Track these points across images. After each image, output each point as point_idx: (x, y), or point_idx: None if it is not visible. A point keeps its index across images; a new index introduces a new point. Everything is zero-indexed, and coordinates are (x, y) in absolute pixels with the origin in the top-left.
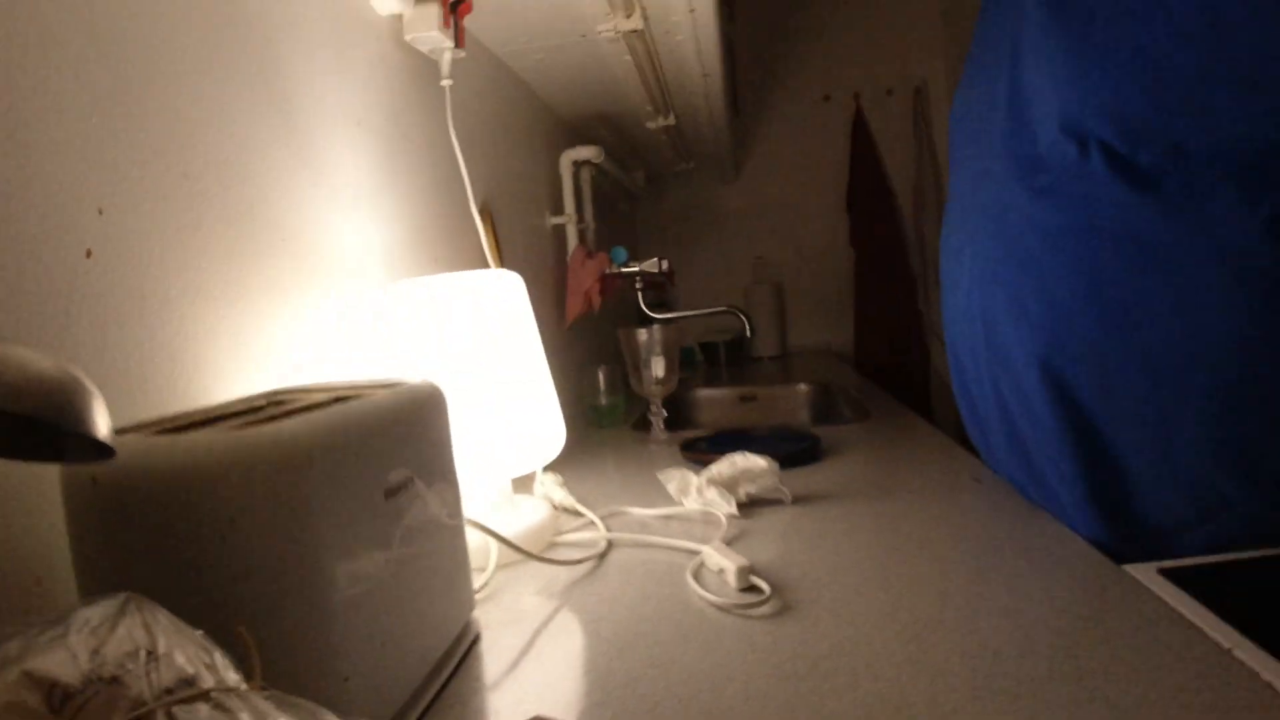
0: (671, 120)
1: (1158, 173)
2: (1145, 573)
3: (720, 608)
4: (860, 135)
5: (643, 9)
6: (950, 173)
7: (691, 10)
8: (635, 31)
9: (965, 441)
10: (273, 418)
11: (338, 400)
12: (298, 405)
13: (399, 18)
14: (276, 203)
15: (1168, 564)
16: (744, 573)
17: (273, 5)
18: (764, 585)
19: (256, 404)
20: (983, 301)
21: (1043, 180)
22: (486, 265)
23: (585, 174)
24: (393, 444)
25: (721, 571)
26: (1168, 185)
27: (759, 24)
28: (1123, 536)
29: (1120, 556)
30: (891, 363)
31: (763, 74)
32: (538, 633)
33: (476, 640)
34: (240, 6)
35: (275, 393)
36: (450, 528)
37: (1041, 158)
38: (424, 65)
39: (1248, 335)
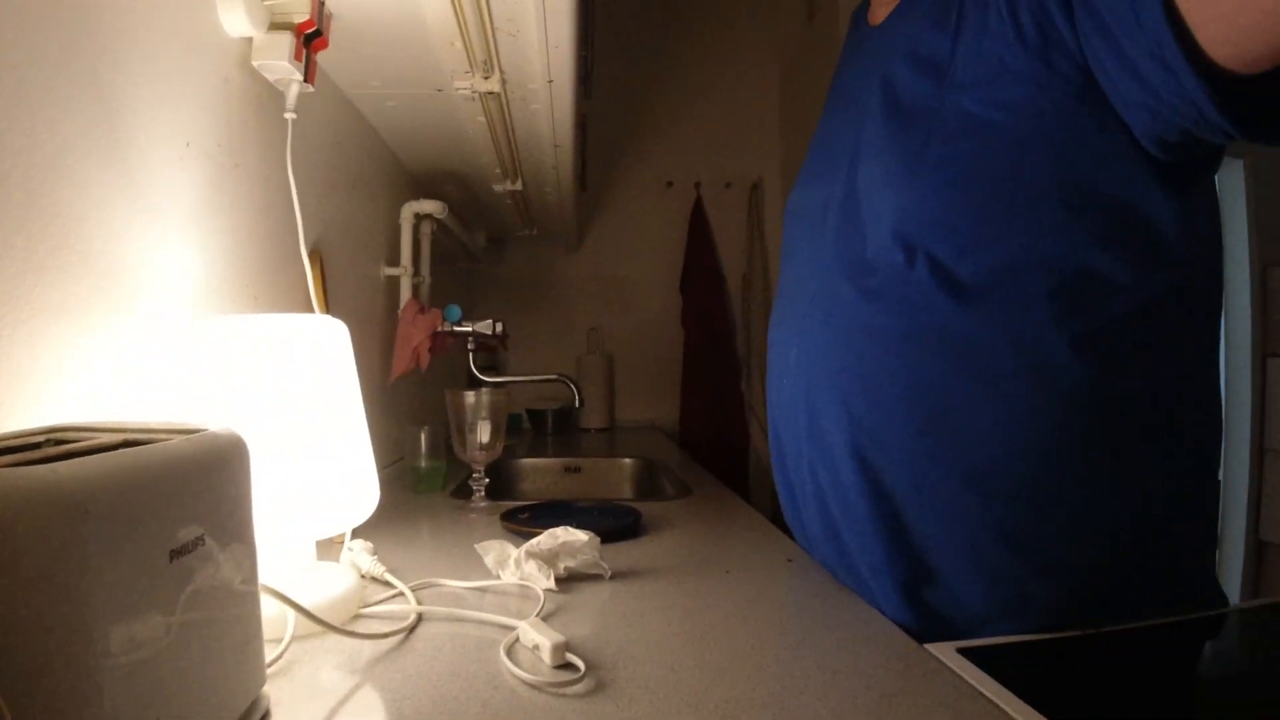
0: (519, 185)
1: (979, 285)
2: (945, 651)
3: (533, 686)
4: (698, 222)
5: (502, 72)
6: (781, 265)
7: (550, 81)
8: (492, 93)
9: (780, 522)
10: (49, 458)
11: (126, 444)
12: (80, 446)
13: (248, 41)
14: (85, 216)
15: (966, 643)
16: (559, 650)
17: (112, 10)
18: (579, 663)
19: (34, 440)
20: (807, 392)
21: (870, 282)
22: (311, 310)
23: (426, 228)
24: (185, 498)
25: (536, 648)
26: (988, 298)
27: (613, 105)
28: (928, 624)
29: (923, 637)
30: (714, 442)
31: (612, 153)
32: (335, 710)
33: (266, 717)
34: (76, 6)
35: (58, 429)
36: (243, 594)
37: (870, 261)
38: (268, 94)
39: (1053, 442)
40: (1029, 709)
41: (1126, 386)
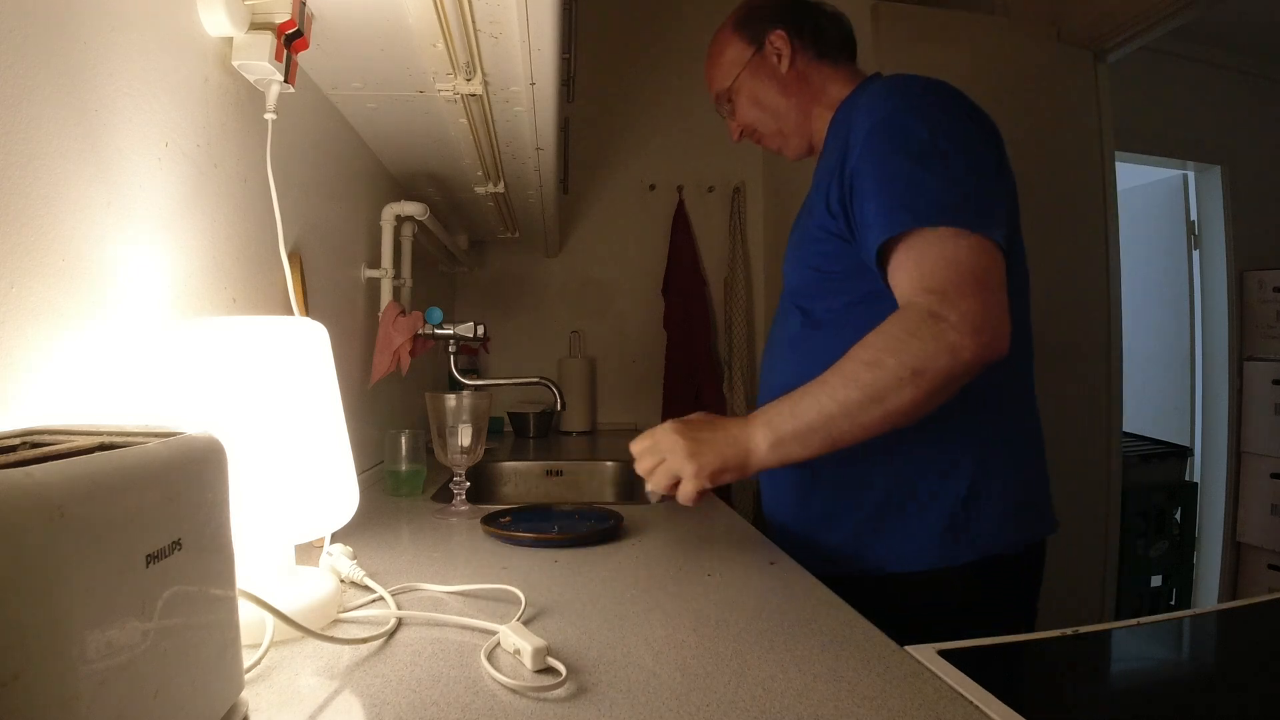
0: (501, 188)
1: (823, 320)
2: (925, 653)
3: (514, 690)
4: (680, 225)
5: (484, 75)
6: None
7: (533, 84)
8: (474, 96)
9: (761, 524)
10: (24, 461)
11: (103, 447)
12: (56, 449)
13: (229, 41)
14: (62, 217)
15: (946, 645)
16: (540, 654)
17: (90, 8)
18: (560, 667)
19: (9, 443)
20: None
21: (789, 320)
22: (290, 313)
23: (407, 230)
24: (161, 502)
25: (517, 652)
26: (829, 326)
27: (596, 108)
28: (816, 558)
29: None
30: None
31: (594, 156)
32: (314, 716)
33: None
34: (54, 3)
35: (34, 431)
36: (220, 599)
37: (790, 310)
38: (248, 94)
39: None
40: (1009, 710)
41: None
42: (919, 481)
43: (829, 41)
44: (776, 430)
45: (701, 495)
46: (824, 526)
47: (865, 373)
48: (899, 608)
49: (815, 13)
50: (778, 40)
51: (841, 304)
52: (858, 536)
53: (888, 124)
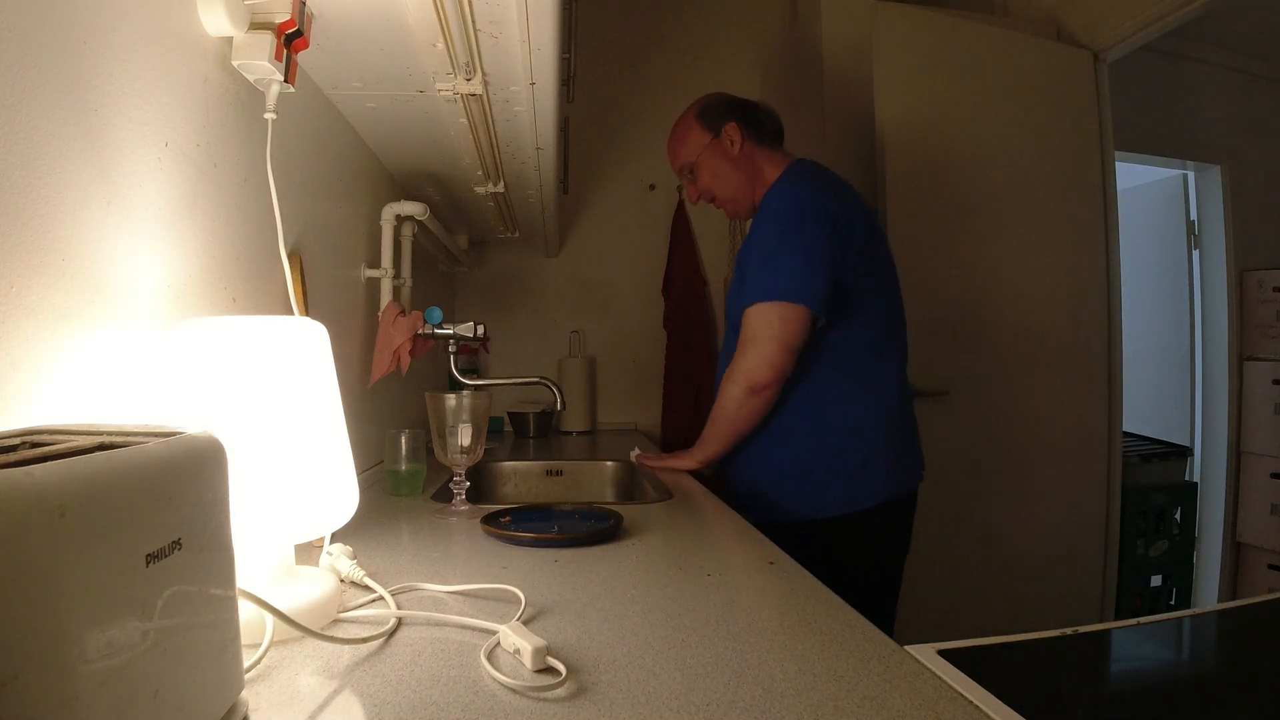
0: (501, 188)
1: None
2: (925, 653)
3: (514, 690)
4: (680, 225)
5: (484, 75)
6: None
7: (532, 84)
8: (474, 95)
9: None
10: (25, 460)
11: (103, 446)
12: (57, 448)
13: (229, 41)
14: (62, 217)
15: (946, 645)
16: (540, 653)
17: (91, 8)
18: (560, 667)
19: (10, 443)
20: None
21: (730, 336)
22: (290, 312)
23: (407, 229)
24: (161, 501)
25: (517, 652)
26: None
27: (596, 107)
28: (754, 506)
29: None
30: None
31: (594, 156)
32: (314, 715)
33: None
34: (55, 3)
35: (34, 431)
36: (220, 598)
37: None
38: (248, 94)
39: (791, 402)
40: (1009, 710)
41: (820, 371)
42: (822, 455)
43: (766, 131)
44: (701, 441)
45: (665, 466)
46: (762, 478)
47: (723, 400)
48: (806, 546)
49: (756, 109)
50: (732, 131)
51: None
52: (780, 492)
53: (761, 224)
